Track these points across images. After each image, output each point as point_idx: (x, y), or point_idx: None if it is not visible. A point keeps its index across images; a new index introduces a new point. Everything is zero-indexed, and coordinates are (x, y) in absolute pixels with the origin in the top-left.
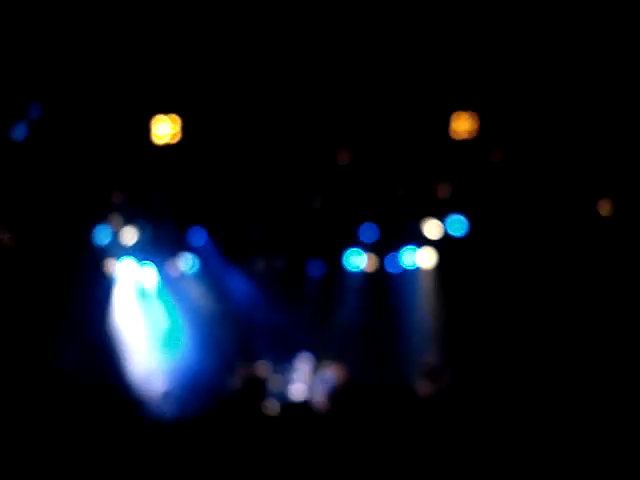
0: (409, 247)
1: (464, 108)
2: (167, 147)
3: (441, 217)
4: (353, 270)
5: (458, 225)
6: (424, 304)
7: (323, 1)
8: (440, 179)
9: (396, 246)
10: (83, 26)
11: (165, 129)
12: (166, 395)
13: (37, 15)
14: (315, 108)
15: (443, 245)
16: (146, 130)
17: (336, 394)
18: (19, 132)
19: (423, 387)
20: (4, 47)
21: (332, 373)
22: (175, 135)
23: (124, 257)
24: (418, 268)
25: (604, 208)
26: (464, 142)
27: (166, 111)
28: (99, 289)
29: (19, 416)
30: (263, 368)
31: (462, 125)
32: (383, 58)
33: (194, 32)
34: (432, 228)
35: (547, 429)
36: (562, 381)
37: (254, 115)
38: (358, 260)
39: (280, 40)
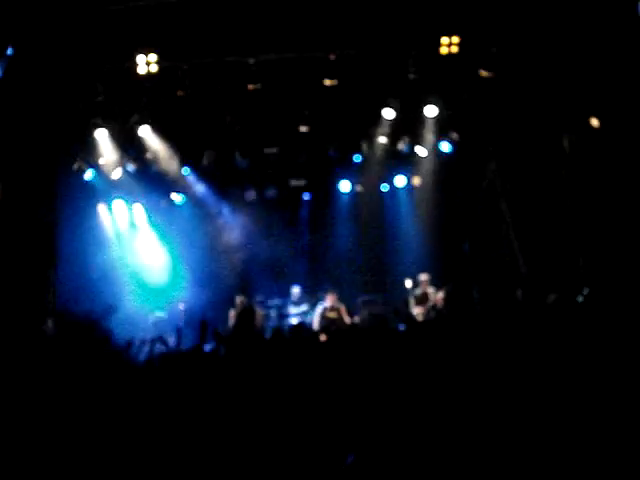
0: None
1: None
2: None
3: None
4: (344, 193)
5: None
6: (416, 222)
7: None
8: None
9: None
10: None
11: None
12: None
13: None
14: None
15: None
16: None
17: (330, 324)
18: None
19: (418, 312)
20: None
21: (326, 302)
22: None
23: (114, 197)
24: (409, 187)
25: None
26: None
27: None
28: (92, 228)
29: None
30: (257, 301)
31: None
32: None
33: None
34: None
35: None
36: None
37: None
38: (348, 184)
39: None
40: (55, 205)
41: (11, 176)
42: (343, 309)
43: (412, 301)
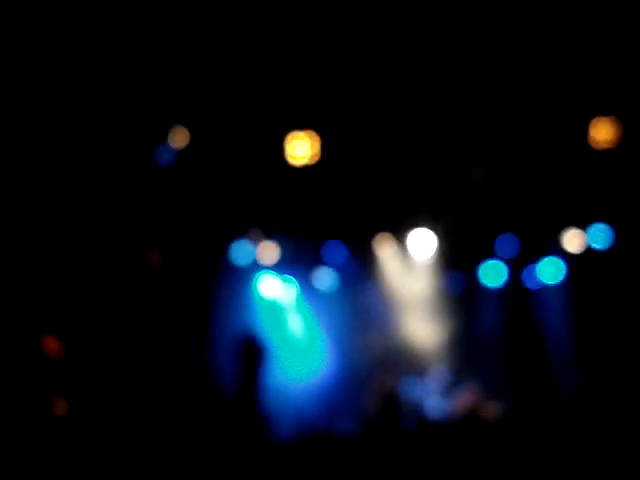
0: (549, 260)
1: (604, 114)
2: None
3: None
4: (491, 285)
5: (601, 236)
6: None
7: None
8: (581, 189)
9: (535, 259)
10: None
11: (302, 149)
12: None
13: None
14: (448, 123)
15: (584, 258)
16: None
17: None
18: (165, 157)
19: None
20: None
21: (464, 393)
22: (314, 155)
23: (264, 273)
24: (558, 283)
25: None
26: (605, 151)
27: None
28: (241, 306)
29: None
30: (397, 383)
31: (602, 133)
32: (518, 67)
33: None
34: (572, 240)
35: None
36: None
37: (387, 131)
38: (496, 274)
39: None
40: (214, 277)
41: (172, 244)
42: (482, 402)
43: None
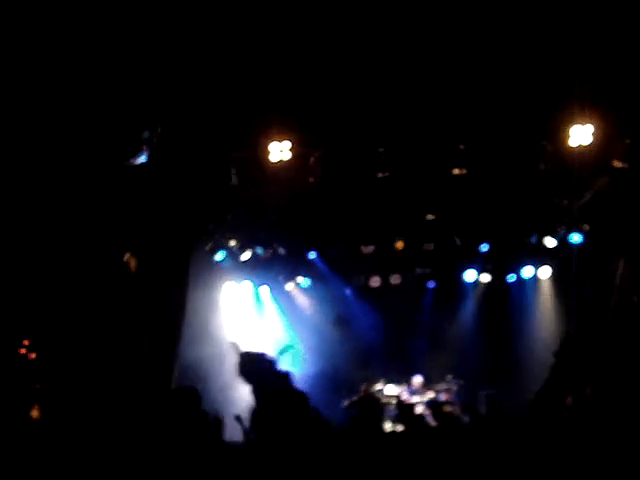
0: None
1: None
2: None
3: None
4: (468, 283)
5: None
6: (544, 316)
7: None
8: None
9: (514, 258)
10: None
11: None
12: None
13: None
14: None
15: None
16: (259, 151)
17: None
18: (140, 157)
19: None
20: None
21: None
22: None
23: (241, 278)
24: (536, 278)
25: None
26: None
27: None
28: (215, 307)
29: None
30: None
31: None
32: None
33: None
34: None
35: None
36: None
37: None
38: (474, 273)
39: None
40: (186, 281)
41: (147, 251)
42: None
43: None
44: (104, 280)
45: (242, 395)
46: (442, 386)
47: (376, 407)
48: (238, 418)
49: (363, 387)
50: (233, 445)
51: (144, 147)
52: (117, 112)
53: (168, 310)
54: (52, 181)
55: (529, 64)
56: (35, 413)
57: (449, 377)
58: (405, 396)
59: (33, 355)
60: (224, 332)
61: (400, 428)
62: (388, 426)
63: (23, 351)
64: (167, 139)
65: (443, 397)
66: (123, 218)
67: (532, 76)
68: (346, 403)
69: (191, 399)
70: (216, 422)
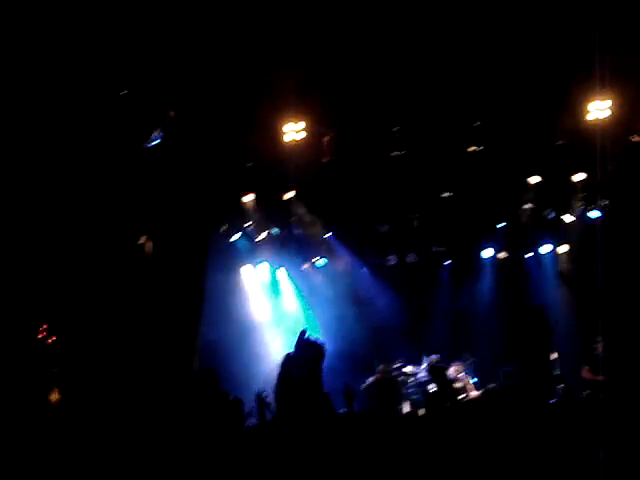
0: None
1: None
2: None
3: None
4: (485, 260)
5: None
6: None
7: None
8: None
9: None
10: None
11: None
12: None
13: None
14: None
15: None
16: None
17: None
18: (154, 139)
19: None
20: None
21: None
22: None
23: (258, 260)
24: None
25: None
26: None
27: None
28: (233, 290)
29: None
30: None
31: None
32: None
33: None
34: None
35: None
36: None
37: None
38: (491, 250)
39: None
40: (204, 264)
41: (163, 234)
42: (468, 380)
43: None
44: (121, 263)
45: (261, 376)
46: (457, 365)
47: (394, 389)
48: (260, 397)
49: (381, 368)
50: (250, 426)
51: (158, 129)
52: (132, 95)
53: (187, 292)
54: (69, 165)
55: (546, 38)
56: (54, 397)
57: (466, 355)
58: (423, 373)
59: (51, 339)
60: (243, 313)
61: (421, 412)
62: (406, 408)
63: (41, 335)
64: (182, 121)
65: (453, 374)
66: (140, 201)
67: (548, 50)
68: (364, 385)
69: (211, 380)
70: (236, 402)
